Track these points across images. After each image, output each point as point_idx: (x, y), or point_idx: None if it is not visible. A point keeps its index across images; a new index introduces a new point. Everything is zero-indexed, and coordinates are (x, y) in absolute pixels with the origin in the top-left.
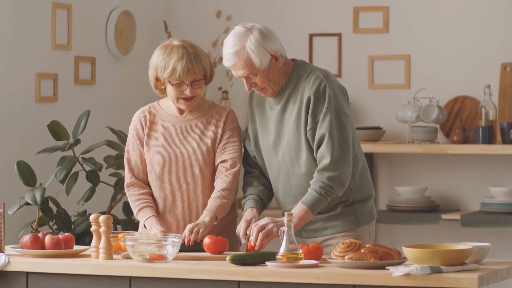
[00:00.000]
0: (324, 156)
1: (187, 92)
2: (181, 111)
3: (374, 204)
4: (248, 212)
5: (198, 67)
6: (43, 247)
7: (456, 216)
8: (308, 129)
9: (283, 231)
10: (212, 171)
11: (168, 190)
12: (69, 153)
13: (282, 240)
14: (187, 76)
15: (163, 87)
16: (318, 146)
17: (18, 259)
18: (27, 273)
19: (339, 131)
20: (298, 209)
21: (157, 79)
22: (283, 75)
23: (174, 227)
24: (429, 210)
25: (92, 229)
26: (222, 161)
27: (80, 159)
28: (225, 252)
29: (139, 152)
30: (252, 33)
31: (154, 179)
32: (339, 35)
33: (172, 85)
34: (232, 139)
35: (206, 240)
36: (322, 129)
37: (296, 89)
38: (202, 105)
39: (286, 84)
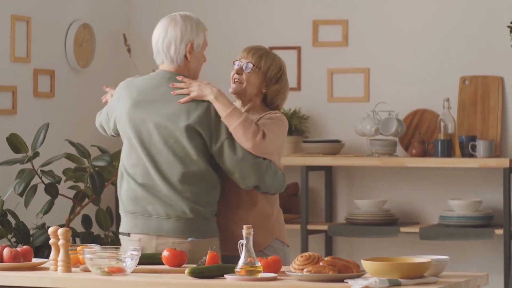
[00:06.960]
0: None
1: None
2: None
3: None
4: None
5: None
6: (1, 260)
7: (415, 229)
8: None
9: (242, 244)
10: None
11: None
12: (28, 165)
13: (241, 253)
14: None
15: None
16: None
17: None
18: None
19: None
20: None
21: None
22: None
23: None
24: (388, 223)
25: (50, 242)
26: None
27: (39, 171)
28: (183, 265)
29: None
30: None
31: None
32: (298, 48)
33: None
34: None
35: (165, 253)
36: None
37: None
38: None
39: None
